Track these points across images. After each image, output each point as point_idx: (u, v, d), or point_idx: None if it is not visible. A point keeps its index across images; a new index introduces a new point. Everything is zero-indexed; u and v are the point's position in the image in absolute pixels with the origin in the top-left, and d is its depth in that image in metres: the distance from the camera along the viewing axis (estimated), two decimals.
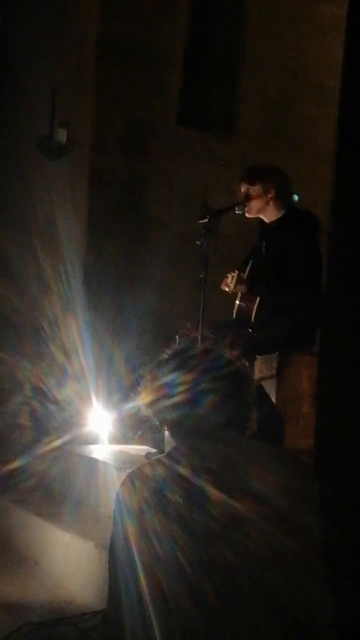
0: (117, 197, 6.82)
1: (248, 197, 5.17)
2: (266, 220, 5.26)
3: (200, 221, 5.09)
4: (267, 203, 5.17)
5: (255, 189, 5.16)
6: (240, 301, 5.15)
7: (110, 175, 6.82)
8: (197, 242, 5.00)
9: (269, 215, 5.23)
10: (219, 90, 7.30)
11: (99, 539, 4.28)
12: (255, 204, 5.18)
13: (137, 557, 2.29)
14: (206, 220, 5.05)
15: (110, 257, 6.60)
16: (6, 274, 6.69)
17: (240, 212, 5.20)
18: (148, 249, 6.72)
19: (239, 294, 5.13)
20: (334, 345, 3.33)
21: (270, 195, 5.16)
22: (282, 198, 5.18)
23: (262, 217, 5.25)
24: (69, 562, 4.47)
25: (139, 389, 2.59)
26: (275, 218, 5.21)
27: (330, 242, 3.34)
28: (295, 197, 5.21)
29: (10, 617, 3.93)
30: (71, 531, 4.56)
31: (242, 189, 5.21)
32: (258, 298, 5.06)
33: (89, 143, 6.76)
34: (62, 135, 6.64)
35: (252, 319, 5.07)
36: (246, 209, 5.17)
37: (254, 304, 5.08)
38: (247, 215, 5.22)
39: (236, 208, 5.19)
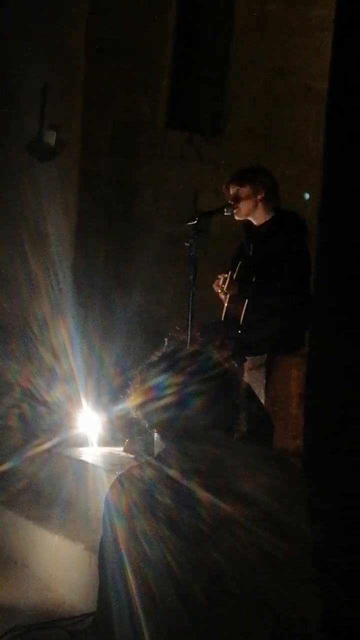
0: (106, 199, 6.82)
1: (237, 199, 5.16)
2: (254, 223, 5.25)
3: (189, 223, 5.08)
4: (257, 205, 5.16)
5: (244, 191, 5.15)
6: (228, 303, 5.15)
7: (100, 177, 6.82)
8: (186, 244, 4.99)
9: (257, 218, 5.22)
10: (208, 92, 7.30)
11: (88, 541, 4.27)
12: (244, 206, 5.17)
13: (126, 559, 2.29)
14: (195, 222, 5.05)
15: (100, 259, 6.60)
16: None
17: (229, 214, 5.19)
18: (137, 250, 6.72)
19: (228, 296, 5.13)
20: (322, 346, 3.34)
21: (259, 197, 5.15)
22: (271, 200, 5.18)
23: (250, 219, 5.24)
24: (59, 564, 4.46)
25: (128, 391, 2.59)
26: (263, 220, 5.20)
27: (318, 242, 3.34)
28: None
29: None
30: (61, 534, 4.54)
31: (230, 191, 5.19)
32: (247, 300, 5.06)
33: (78, 145, 6.76)
34: (51, 138, 6.63)
35: (241, 321, 5.07)
36: (235, 211, 5.16)
37: (243, 306, 5.08)
38: (236, 217, 5.21)
39: (225, 210, 5.18)
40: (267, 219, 5.19)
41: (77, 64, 6.73)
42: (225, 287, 5.09)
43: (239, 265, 5.27)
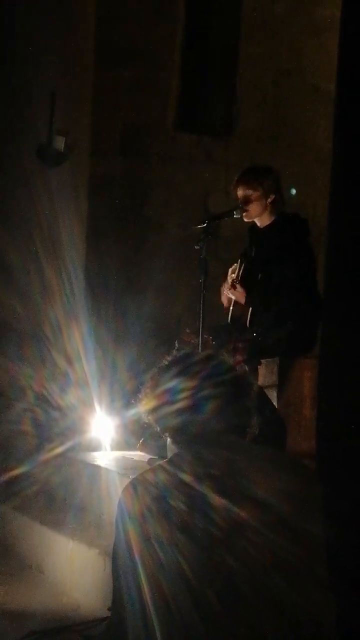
0: (117, 203, 6.82)
1: (247, 201, 5.13)
2: (259, 224, 5.23)
3: (199, 226, 5.08)
4: (266, 208, 5.14)
5: (256, 195, 5.12)
6: (234, 306, 5.14)
7: (110, 180, 6.82)
8: (196, 247, 4.99)
9: (263, 220, 5.20)
10: (217, 94, 7.30)
11: (102, 546, 4.27)
12: (255, 208, 5.14)
13: (139, 564, 2.29)
14: (205, 224, 5.04)
15: (111, 263, 6.60)
16: (8, 281, 6.69)
17: (239, 217, 5.18)
18: (148, 253, 6.72)
19: (233, 300, 5.12)
20: (334, 348, 3.33)
21: (269, 200, 5.13)
22: (278, 202, 5.16)
23: (257, 220, 5.22)
24: (73, 569, 4.46)
25: (140, 395, 2.59)
26: (268, 222, 5.19)
27: (327, 244, 3.33)
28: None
29: (14, 625, 3.92)
30: (75, 538, 4.54)
31: (239, 193, 5.16)
32: (250, 304, 5.06)
33: (88, 149, 6.77)
34: (60, 143, 6.64)
35: (248, 324, 5.06)
36: (245, 213, 5.14)
37: (248, 309, 5.08)
38: (245, 219, 5.19)
39: (235, 212, 5.17)
40: (271, 220, 5.17)
41: (85, 68, 6.74)
42: (236, 276, 5.08)
43: (242, 268, 5.25)
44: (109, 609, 2.95)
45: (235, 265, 5.17)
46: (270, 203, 5.12)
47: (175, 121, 7.09)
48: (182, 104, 7.13)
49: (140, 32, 6.87)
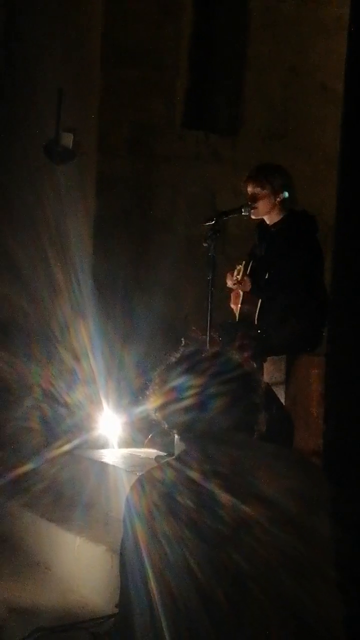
0: (124, 201, 6.83)
1: (255, 199, 5.13)
2: (268, 222, 5.23)
3: (207, 223, 5.08)
4: (275, 205, 5.14)
5: (265, 193, 5.12)
6: (242, 304, 5.14)
7: (117, 179, 6.83)
8: (204, 245, 4.99)
9: (272, 217, 5.20)
10: (224, 93, 7.30)
11: (110, 543, 4.28)
12: (263, 206, 5.14)
13: (147, 561, 2.29)
14: (213, 222, 5.05)
15: (119, 261, 6.61)
16: (17, 279, 6.71)
17: (247, 214, 5.18)
18: (156, 251, 6.73)
19: (241, 297, 5.12)
20: (341, 345, 3.33)
21: (278, 199, 5.12)
22: (287, 201, 5.16)
23: (266, 218, 5.23)
24: (81, 566, 4.47)
25: (148, 392, 2.59)
26: (277, 220, 5.19)
27: (335, 243, 3.33)
28: (286, 194, 5.15)
29: (22, 622, 3.93)
30: (82, 535, 4.55)
31: (248, 190, 5.17)
32: (258, 301, 5.06)
33: (95, 147, 6.78)
34: (68, 140, 6.65)
35: (256, 321, 5.06)
36: (253, 211, 5.14)
37: (257, 306, 5.08)
38: (252, 217, 5.20)
39: (242, 210, 5.17)
40: (280, 218, 5.17)
41: (93, 67, 6.75)
42: (239, 277, 5.08)
43: (250, 265, 5.25)
44: (116, 606, 2.97)
45: (240, 267, 5.16)
46: (279, 201, 5.12)
47: (182, 120, 7.10)
48: (189, 103, 7.13)
49: (147, 32, 6.88)
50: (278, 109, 7.25)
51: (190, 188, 6.97)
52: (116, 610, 3.47)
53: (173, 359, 2.58)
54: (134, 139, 6.86)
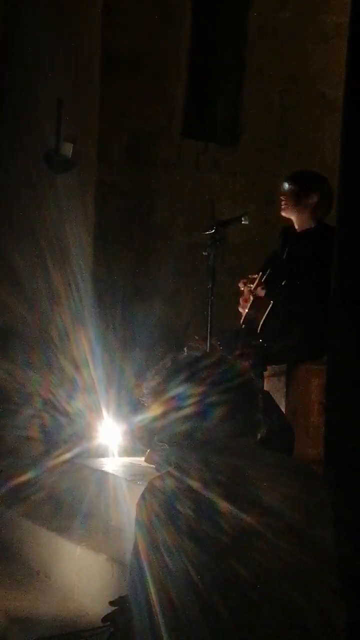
0: (124, 210, 6.84)
1: (289, 195, 5.13)
2: (296, 227, 5.20)
3: (207, 232, 5.08)
4: (306, 208, 5.11)
5: (294, 189, 5.10)
6: (249, 309, 5.13)
7: (117, 187, 6.84)
8: (204, 254, 4.99)
9: (302, 222, 5.15)
10: (224, 101, 7.31)
11: (110, 551, 4.27)
12: (292, 205, 5.12)
13: (147, 571, 2.29)
14: (213, 231, 5.05)
15: (119, 269, 6.62)
16: (16, 287, 6.70)
17: (247, 223, 5.18)
18: (155, 260, 6.74)
19: (249, 302, 5.11)
20: (342, 354, 3.33)
21: (311, 202, 5.09)
22: (320, 209, 5.11)
23: (294, 221, 5.19)
24: (81, 575, 4.46)
25: (144, 399, 2.58)
26: (307, 227, 5.15)
27: (336, 250, 3.34)
28: (245, 221, 5.17)
29: (22, 631, 3.92)
30: (82, 544, 4.54)
31: (285, 187, 5.15)
32: (269, 307, 5.04)
33: (95, 156, 6.79)
34: (67, 149, 6.65)
35: (259, 328, 5.05)
36: (283, 206, 5.14)
37: (264, 313, 5.07)
38: (282, 213, 5.19)
39: (242, 219, 5.17)
40: (311, 226, 5.14)
41: (92, 76, 6.76)
42: (253, 286, 5.06)
43: (268, 272, 5.22)
44: (110, 603, 2.95)
45: (256, 276, 5.14)
46: (310, 206, 5.09)
47: (181, 129, 7.11)
48: (188, 112, 7.15)
49: (147, 40, 6.90)
50: (277, 118, 7.27)
51: (189, 197, 6.98)
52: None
53: (168, 364, 2.56)
54: (133, 147, 6.88)
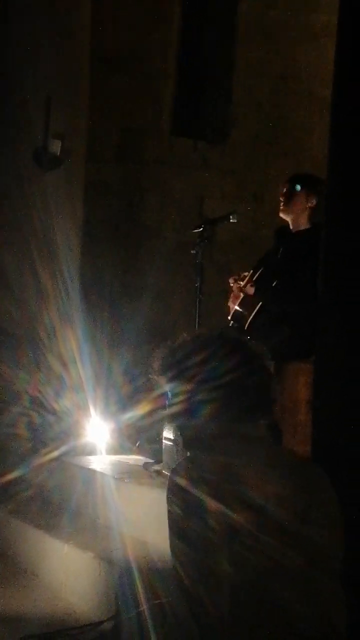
0: (113, 207, 6.83)
1: (289, 197, 5.13)
2: (291, 227, 5.21)
3: (196, 230, 5.08)
4: (305, 210, 5.13)
5: (300, 193, 5.11)
6: (239, 306, 5.13)
7: (106, 185, 6.83)
8: (193, 251, 4.99)
9: (299, 223, 5.17)
10: (213, 99, 7.31)
11: (97, 550, 4.26)
12: (293, 206, 5.12)
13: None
14: (201, 229, 5.04)
15: (107, 267, 6.61)
16: (3, 285, 6.68)
17: (235, 221, 5.18)
18: (144, 258, 6.73)
19: (239, 299, 5.11)
20: (329, 352, 3.33)
21: (311, 204, 5.11)
22: (317, 211, 5.13)
23: (291, 221, 5.20)
24: (68, 573, 4.45)
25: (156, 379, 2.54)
26: (303, 228, 5.16)
27: (324, 248, 3.34)
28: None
29: (9, 629, 3.91)
30: (70, 542, 4.53)
31: (297, 188, 5.12)
32: (258, 306, 5.04)
33: (84, 154, 6.78)
34: (56, 147, 6.64)
35: (247, 326, 5.05)
36: (283, 208, 5.14)
37: (252, 311, 5.06)
38: (280, 214, 5.19)
39: (231, 217, 5.17)
40: (307, 227, 5.15)
41: (81, 73, 6.74)
42: (243, 284, 5.06)
43: (259, 272, 5.22)
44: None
45: (247, 274, 5.14)
46: (310, 207, 5.11)
47: (171, 126, 7.11)
48: (178, 110, 7.15)
49: (136, 38, 6.89)
50: (267, 116, 7.27)
51: (178, 194, 6.98)
52: (104, 617, 3.47)
53: (162, 364, 2.54)
54: (122, 145, 6.87)
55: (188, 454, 2.48)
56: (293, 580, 2.24)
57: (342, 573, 2.33)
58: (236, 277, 5.15)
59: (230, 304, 5.18)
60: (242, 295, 5.11)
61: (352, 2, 3.32)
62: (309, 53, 7.20)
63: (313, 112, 7.10)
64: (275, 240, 5.35)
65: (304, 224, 5.14)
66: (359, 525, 2.65)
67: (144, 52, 6.93)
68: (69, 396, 6.12)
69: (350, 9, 3.33)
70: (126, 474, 4.95)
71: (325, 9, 6.82)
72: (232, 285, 5.16)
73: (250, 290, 5.08)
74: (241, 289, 5.07)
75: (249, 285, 5.07)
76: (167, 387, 2.50)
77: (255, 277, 5.15)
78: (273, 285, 5.07)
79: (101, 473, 5.08)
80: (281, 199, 5.15)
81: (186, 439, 2.45)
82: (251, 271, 5.16)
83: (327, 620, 2.25)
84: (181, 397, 2.44)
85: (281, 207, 5.16)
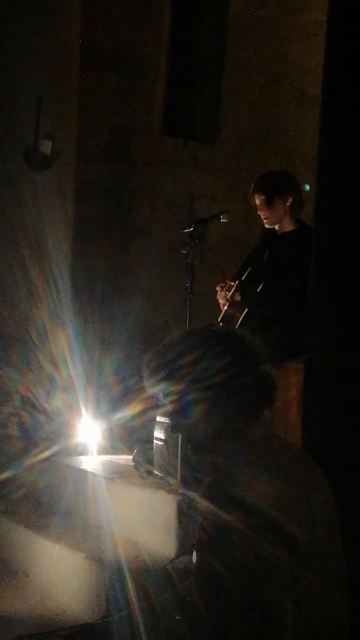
0: (103, 207, 6.82)
1: (266, 208, 5.06)
2: (277, 229, 5.15)
3: (186, 230, 5.07)
4: (287, 213, 5.05)
5: (275, 201, 5.01)
6: (228, 307, 5.12)
7: (96, 184, 6.82)
8: (183, 251, 4.98)
9: (284, 225, 5.08)
10: (203, 98, 7.31)
11: (88, 550, 4.26)
12: (275, 213, 5.04)
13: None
14: (192, 228, 5.03)
15: (98, 267, 6.60)
16: None
17: (226, 221, 5.17)
18: (135, 257, 6.73)
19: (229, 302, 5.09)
20: (318, 352, 3.33)
21: (288, 204, 5.03)
22: (296, 207, 5.08)
23: (276, 226, 5.14)
24: (59, 573, 4.45)
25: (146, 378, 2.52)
26: (288, 229, 5.09)
27: (314, 249, 3.34)
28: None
29: (0, 630, 3.91)
30: (60, 542, 4.53)
31: (257, 201, 5.03)
32: (245, 310, 5.02)
33: (74, 153, 6.77)
34: (46, 147, 6.62)
35: (237, 327, 5.04)
36: (266, 220, 5.05)
37: (242, 311, 5.06)
38: (266, 226, 5.11)
39: (221, 217, 5.16)
40: (292, 228, 5.08)
41: (71, 73, 6.73)
42: (229, 294, 5.01)
43: (247, 272, 5.18)
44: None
45: (232, 285, 5.08)
46: (289, 206, 5.04)
47: (161, 125, 7.11)
48: (168, 109, 7.14)
49: (126, 37, 6.88)
50: (257, 115, 7.28)
51: (169, 193, 6.98)
52: (94, 618, 3.47)
53: (153, 363, 2.53)
54: (113, 144, 6.86)
55: (179, 454, 2.48)
56: (280, 579, 2.23)
57: (341, 574, 2.34)
58: (223, 285, 5.10)
59: (220, 300, 5.16)
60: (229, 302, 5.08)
61: (342, 1, 3.32)
62: (300, 52, 7.20)
63: (304, 111, 7.10)
64: (261, 239, 5.30)
65: (288, 224, 5.08)
66: (351, 525, 2.65)
67: (134, 50, 6.92)
68: (60, 396, 6.11)
69: (339, 8, 3.33)
70: (117, 474, 4.95)
71: (315, 8, 6.82)
72: (219, 292, 5.12)
73: (238, 297, 5.04)
74: (229, 300, 5.02)
75: (236, 294, 5.02)
76: (158, 388, 2.49)
77: (244, 276, 5.13)
78: (258, 290, 5.03)
79: (92, 473, 5.08)
80: (260, 214, 5.05)
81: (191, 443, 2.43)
82: (236, 282, 5.09)
83: (326, 621, 2.25)
84: (172, 397, 2.44)
85: (265, 222, 5.07)
